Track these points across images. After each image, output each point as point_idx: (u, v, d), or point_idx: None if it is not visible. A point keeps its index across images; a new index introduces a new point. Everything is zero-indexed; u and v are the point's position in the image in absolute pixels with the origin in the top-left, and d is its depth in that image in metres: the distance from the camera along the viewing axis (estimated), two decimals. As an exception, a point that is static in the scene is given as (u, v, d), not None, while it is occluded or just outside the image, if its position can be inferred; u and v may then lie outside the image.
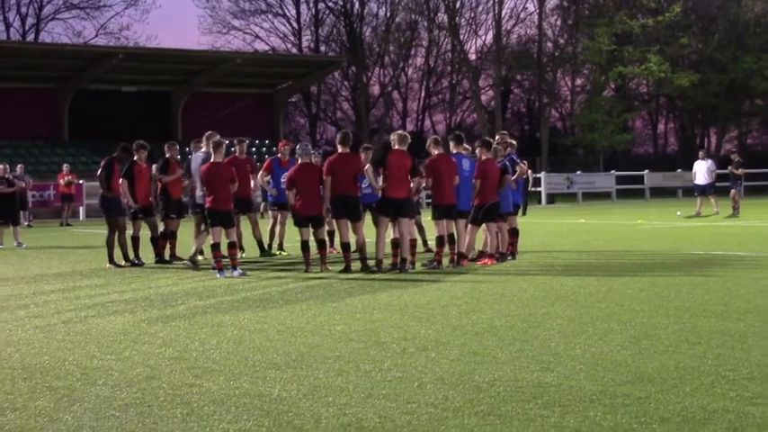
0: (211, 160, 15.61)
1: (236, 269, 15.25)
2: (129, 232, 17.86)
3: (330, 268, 15.77)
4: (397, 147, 15.59)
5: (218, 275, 15.14)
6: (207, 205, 15.56)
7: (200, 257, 17.71)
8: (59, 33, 71.75)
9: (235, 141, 18.78)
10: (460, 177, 16.17)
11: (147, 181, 17.93)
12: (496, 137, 18.20)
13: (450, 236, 16.26)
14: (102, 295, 13.19)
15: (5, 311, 11.69)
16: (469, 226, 16.48)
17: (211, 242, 15.58)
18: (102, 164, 17.89)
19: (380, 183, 15.59)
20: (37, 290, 14.03)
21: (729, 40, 65.33)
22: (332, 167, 15.55)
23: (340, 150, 15.82)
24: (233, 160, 17.64)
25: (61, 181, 36.59)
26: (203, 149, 16.61)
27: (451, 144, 16.55)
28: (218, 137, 16.17)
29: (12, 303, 12.46)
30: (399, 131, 16.33)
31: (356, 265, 15.64)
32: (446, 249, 16.19)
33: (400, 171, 15.36)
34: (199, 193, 16.53)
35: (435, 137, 17.08)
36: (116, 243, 17.48)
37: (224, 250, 15.44)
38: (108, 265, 17.30)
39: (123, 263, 17.41)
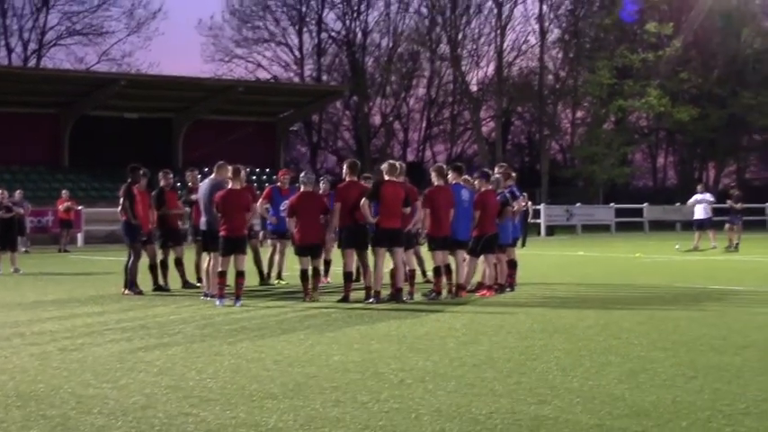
0: (229, 187, 15.59)
1: (239, 300, 15.19)
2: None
3: (319, 298, 15.69)
4: (388, 177, 15.55)
5: (216, 303, 15.11)
6: (222, 233, 15.43)
7: (199, 284, 17.69)
8: (61, 59, 71.55)
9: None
10: (459, 208, 16.16)
11: (147, 208, 17.93)
12: (496, 168, 18.20)
13: (448, 266, 16.26)
14: (99, 323, 13.16)
15: (0, 338, 11.65)
16: (468, 257, 16.48)
17: (219, 269, 15.53)
18: (120, 193, 17.76)
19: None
20: (33, 317, 13.99)
21: (729, 76, 65.55)
22: (343, 196, 15.57)
23: (348, 179, 15.85)
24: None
25: (60, 207, 36.58)
26: (212, 177, 16.62)
27: (451, 175, 16.54)
28: (228, 166, 16.24)
29: (7, 330, 12.41)
30: (390, 161, 16.24)
31: (354, 295, 15.64)
32: (444, 280, 16.18)
33: (394, 201, 15.35)
34: (203, 219, 16.53)
35: (439, 165, 17.01)
36: (138, 270, 17.45)
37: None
38: (127, 291, 17.24)
39: (126, 291, 17.31)
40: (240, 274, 15.35)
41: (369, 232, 15.75)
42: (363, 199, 15.18)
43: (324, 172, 71.31)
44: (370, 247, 15.84)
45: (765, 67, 62.78)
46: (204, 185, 16.62)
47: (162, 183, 18.44)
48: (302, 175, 16.49)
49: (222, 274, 15.40)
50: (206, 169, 17.12)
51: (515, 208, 17.15)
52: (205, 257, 16.85)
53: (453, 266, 16.36)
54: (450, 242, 16.18)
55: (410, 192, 15.86)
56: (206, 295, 16.19)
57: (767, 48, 62.02)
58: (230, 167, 15.78)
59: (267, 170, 50.75)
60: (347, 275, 15.66)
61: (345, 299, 15.43)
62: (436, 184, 16.15)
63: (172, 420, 7.12)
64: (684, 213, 47.07)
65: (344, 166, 16.26)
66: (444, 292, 16.10)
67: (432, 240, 16.18)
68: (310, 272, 15.87)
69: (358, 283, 16.36)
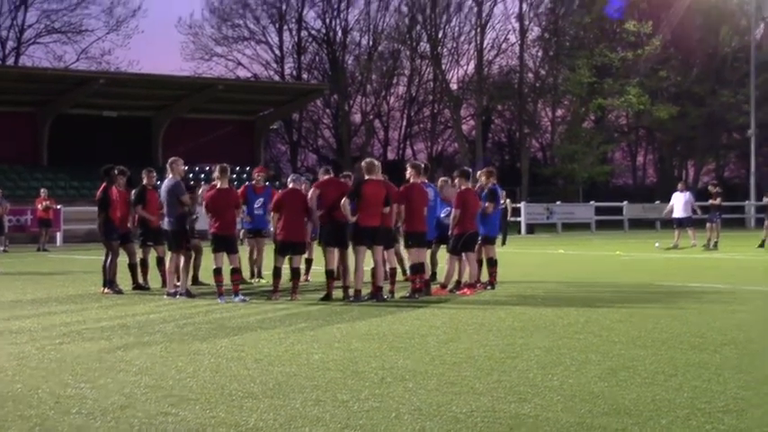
0: (217, 186, 15.96)
1: (237, 295, 15.31)
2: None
3: (299, 298, 15.69)
4: (368, 176, 15.53)
5: (218, 300, 15.24)
6: (211, 231, 15.85)
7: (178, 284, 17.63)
8: (40, 57, 70.98)
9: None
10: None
11: (126, 206, 17.85)
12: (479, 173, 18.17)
13: (422, 264, 16.29)
14: (78, 322, 13.09)
15: (-20, 337, 11.58)
16: (448, 255, 16.49)
17: (213, 267, 15.69)
18: (96, 198, 17.72)
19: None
20: (11, 316, 13.90)
21: (708, 74, 65.94)
22: (319, 188, 15.75)
23: (326, 177, 16.09)
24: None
25: (39, 206, 36.38)
26: (170, 176, 16.62)
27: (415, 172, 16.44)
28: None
29: (-13, 329, 12.35)
30: (368, 159, 16.21)
31: (336, 293, 15.64)
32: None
33: (375, 200, 15.34)
34: (165, 219, 16.55)
35: (416, 162, 17.03)
36: (117, 268, 17.40)
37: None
38: (106, 290, 17.14)
39: (105, 290, 17.21)
40: (235, 271, 15.67)
41: (347, 230, 15.77)
42: (344, 198, 15.19)
43: (304, 170, 71.31)
44: (351, 246, 15.86)
45: (744, 66, 63.10)
46: (165, 185, 16.60)
47: (144, 181, 18.34)
48: (291, 175, 16.82)
49: (218, 272, 15.59)
50: (186, 167, 17.07)
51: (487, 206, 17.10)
52: (171, 257, 16.76)
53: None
54: (425, 239, 16.24)
55: (391, 190, 15.84)
56: (168, 294, 16.22)
57: (745, 46, 62.29)
58: (219, 166, 15.95)
59: (247, 168, 50.59)
60: (329, 273, 15.66)
61: (328, 297, 15.44)
62: (412, 181, 16.16)
63: (151, 420, 7.08)
64: (664, 211, 47.21)
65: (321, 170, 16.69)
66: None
67: (408, 237, 16.13)
68: (289, 272, 15.92)
69: (337, 282, 16.35)
